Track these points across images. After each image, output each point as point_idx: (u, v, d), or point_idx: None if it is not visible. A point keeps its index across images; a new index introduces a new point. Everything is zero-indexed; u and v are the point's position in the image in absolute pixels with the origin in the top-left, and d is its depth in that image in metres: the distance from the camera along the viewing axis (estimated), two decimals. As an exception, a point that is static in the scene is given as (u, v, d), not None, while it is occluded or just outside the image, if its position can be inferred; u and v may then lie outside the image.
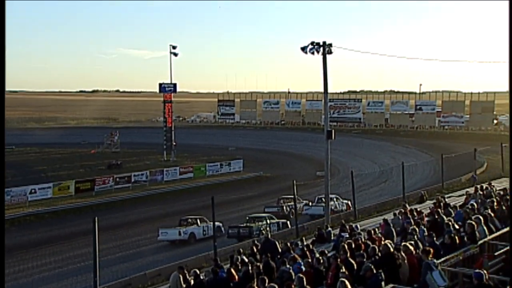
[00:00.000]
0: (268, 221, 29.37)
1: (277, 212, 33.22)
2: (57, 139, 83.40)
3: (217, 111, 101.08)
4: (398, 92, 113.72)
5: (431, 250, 11.06)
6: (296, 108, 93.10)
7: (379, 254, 11.57)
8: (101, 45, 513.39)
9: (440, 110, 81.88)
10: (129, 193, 45.71)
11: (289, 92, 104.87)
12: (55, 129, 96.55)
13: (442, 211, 17.61)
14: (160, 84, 66.89)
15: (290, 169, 58.21)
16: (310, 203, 34.62)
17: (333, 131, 27.82)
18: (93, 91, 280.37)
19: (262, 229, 28.32)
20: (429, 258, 10.41)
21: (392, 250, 11.20)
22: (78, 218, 36.41)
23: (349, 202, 34.01)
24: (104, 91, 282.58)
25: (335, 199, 34.19)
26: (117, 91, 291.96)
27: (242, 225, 29.25)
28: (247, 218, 30.47)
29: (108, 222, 33.45)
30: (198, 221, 30.91)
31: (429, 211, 19.54)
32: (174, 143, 66.40)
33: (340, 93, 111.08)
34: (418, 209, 20.66)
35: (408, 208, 20.73)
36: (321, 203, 32.53)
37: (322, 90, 28.38)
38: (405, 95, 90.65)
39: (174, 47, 65.30)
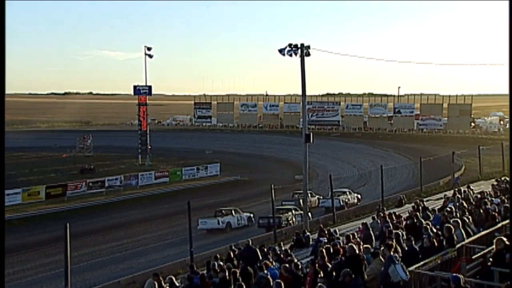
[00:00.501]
0: (293, 212, 32.72)
1: (294, 205, 35.82)
2: (28, 143, 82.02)
3: (194, 114, 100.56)
4: (376, 94, 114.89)
5: (393, 244, 11.33)
6: (274, 111, 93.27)
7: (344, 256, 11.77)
8: (74, 46, 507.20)
9: (418, 113, 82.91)
10: (102, 199, 45.21)
11: (266, 95, 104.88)
12: (25, 133, 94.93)
13: (421, 214, 17.83)
14: (135, 87, 66.37)
15: (268, 172, 58.27)
16: (322, 197, 38.00)
17: (311, 134, 27.98)
18: (65, 94, 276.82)
19: (289, 219, 31.62)
20: (391, 252, 10.65)
21: (357, 252, 11.37)
22: (49, 225, 35.82)
23: (359, 196, 38.70)
24: (77, 93, 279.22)
25: (347, 192, 38.33)
26: (90, 93, 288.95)
27: (272, 215, 31.07)
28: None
29: (81, 228, 32.95)
30: (233, 211, 34.62)
31: (407, 214, 19.78)
32: (149, 147, 65.90)
33: (319, 95, 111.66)
34: (397, 213, 20.91)
35: (387, 212, 20.97)
36: (335, 196, 35.54)
37: (300, 92, 28.52)
38: (384, 98, 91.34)
39: (149, 49, 64.92)
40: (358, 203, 36.87)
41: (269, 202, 27.54)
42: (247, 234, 29.61)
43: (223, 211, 34.49)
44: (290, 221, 31.73)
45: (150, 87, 66.76)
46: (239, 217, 34.47)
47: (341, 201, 36.43)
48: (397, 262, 10.35)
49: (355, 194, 39.05)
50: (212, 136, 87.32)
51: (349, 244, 12.37)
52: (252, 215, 34.91)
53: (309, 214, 32.18)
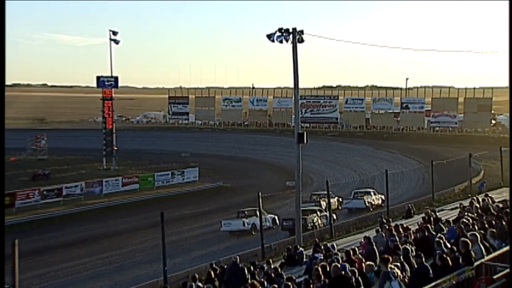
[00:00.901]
0: (319, 213, 35.47)
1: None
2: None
3: (168, 110, 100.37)
4: (381, 87, 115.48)
5: (390, 258, 11.38)
6: (261, 106, 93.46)
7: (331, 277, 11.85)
8: (23, 29, 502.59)
9: (429, 108, 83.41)
10: (59, 209, 44.87)
11: (253, 88, 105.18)
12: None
13: (433, 227, 17.89)
14: (98, 78, 66.02)
15: (255, 178, 58.31)
16: (341, 199, 41.54)
17: (305, 133, 27.99)
18: (14, 85, 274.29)
19: (315, 221, 34.25)
20: (389, 267, 10.66)
21: (343, 273, 11.41)
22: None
23: (383, 197, 39.58)
24: (28, 85, 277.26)
25: (372, 193, 41.55)
26: (45, 85, 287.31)
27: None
28: None
29: (33, 245, 32.71)
30: (257, 212, 35.81)
31: (417, 227, 19.84)
32: (115, 149, 65.57)
33: (314, 88, 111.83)
34: (405, 225, 20.97)
35: (393, 223, 21.02)
36: (358, 196, 40.77)
37: (292, 85, 28.53)
38: (389, 91, 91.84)
39: (114, 33, 64.62)
40: (383, 205, 39.01)
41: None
42: (273, 237, 32.73)
43: (246, 212, 37.16)
44: (316, 223, 34.23)
45: (116, 78, 66.41)
46: (264, 219, 35.75)
47: (366, 202, 40.08)
48: (393, 279, 10.40)
49: (379, 195, 41.19)
50: (190, 135, 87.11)
51: (333, 264, 12.40)
52: (276, 217, 37.68)
53: (334, 216, 34.09)
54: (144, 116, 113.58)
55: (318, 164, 62.73)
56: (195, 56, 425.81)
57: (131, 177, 54.60)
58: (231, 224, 36.33)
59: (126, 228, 39.40)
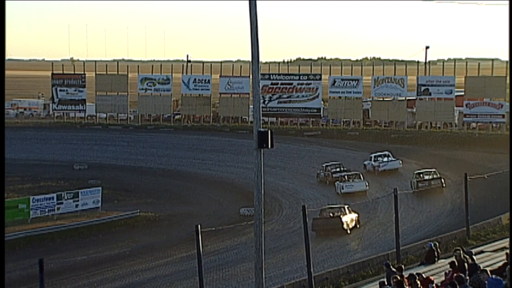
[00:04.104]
0: (434, 174, 56.34)
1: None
2: None
3: (52, 96, 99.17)
4: (386, 61, 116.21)
5: None
6: (202, 90, 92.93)
7: None
8: None
9: (462, 93, 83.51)
10: None
11: (188, 61, 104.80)
12: None
13: (468, 278, 17.97)
14: None
15: (192, 203, 58.42)
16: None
17: (269, 133, 27.86)
18: None
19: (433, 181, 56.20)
20: None
21: None
22: None
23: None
24: None
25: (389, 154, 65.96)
26: None
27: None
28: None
29: None
30: (360, 176, 59.18)
31: (443, 278, 19.91)
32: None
33: (284, 63, 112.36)
34: (425, 275, 21.05)
35: (406, 272, 21.08)
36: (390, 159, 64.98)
37: (249, 57, 28.38)
38: (400, 67, 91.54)
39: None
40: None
41: (193, 257, 27.26)
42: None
43: (346, 176, 58.59)
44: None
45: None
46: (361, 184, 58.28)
47: (401, 163, 64.14)
48: None
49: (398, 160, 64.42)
50: (88, 137, 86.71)
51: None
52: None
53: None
54: (12, 106, 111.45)
55: (290, 180, 62.85)
56: (94, 16, 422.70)
57: (-9, 203, 53.78)
58: (353, 186, 56.97)
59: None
